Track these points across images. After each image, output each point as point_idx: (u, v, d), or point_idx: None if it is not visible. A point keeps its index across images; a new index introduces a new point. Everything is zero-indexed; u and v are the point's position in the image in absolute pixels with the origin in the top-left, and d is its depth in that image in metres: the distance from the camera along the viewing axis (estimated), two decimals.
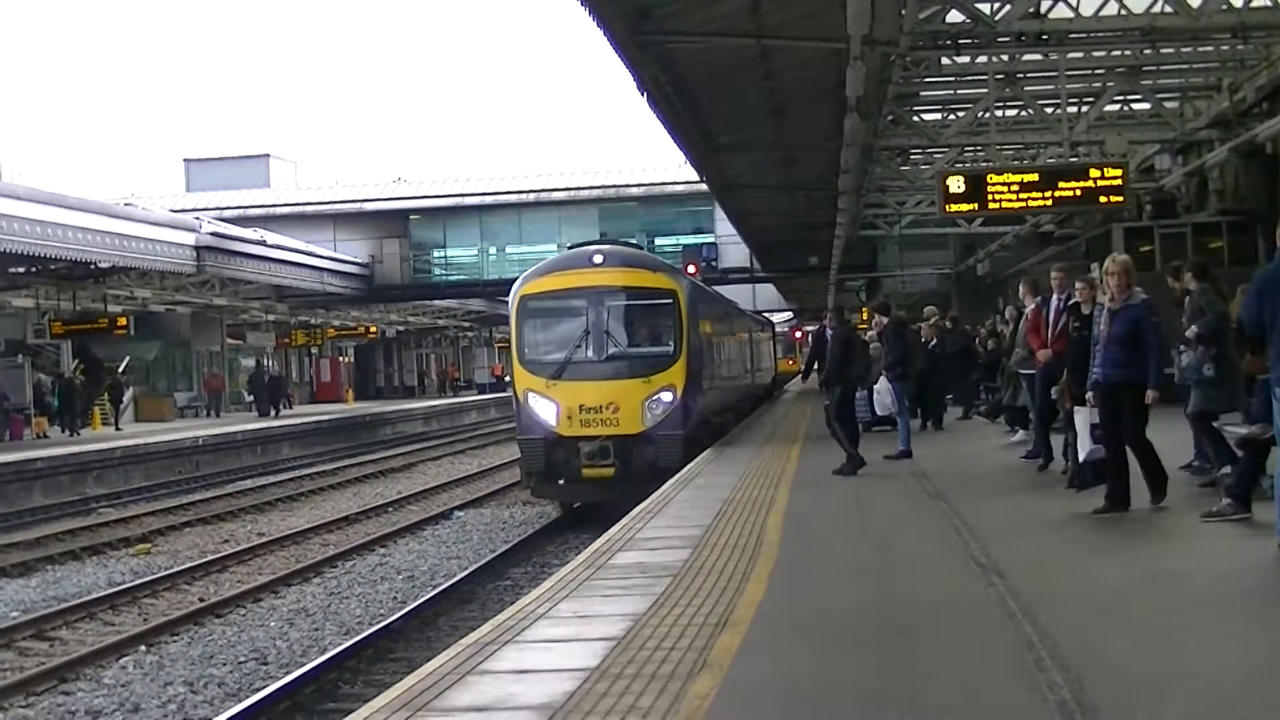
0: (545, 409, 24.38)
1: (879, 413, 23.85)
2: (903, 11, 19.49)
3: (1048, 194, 22.84)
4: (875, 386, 23.09)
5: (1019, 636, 8.40)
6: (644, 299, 25.67)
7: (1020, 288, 19.90)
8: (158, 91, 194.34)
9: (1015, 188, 22.83)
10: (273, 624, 17.66)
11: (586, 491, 25.08)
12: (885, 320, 23.39)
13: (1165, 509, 13.34)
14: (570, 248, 27.49)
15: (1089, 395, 13.85)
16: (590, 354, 24.75)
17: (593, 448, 24.09)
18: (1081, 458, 14.45)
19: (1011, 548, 11.98)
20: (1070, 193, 22.75)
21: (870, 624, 9.12)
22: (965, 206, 23.61)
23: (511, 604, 10.69)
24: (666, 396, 24.45)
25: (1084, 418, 14.05)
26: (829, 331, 21.72)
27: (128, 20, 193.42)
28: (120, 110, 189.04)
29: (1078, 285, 16.53)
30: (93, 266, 41.97)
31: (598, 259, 25.51)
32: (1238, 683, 7.28)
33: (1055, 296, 17.84)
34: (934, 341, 28.92)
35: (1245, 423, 13.92)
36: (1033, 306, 18.50)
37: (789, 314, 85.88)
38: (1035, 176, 23.23)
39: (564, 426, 24.28)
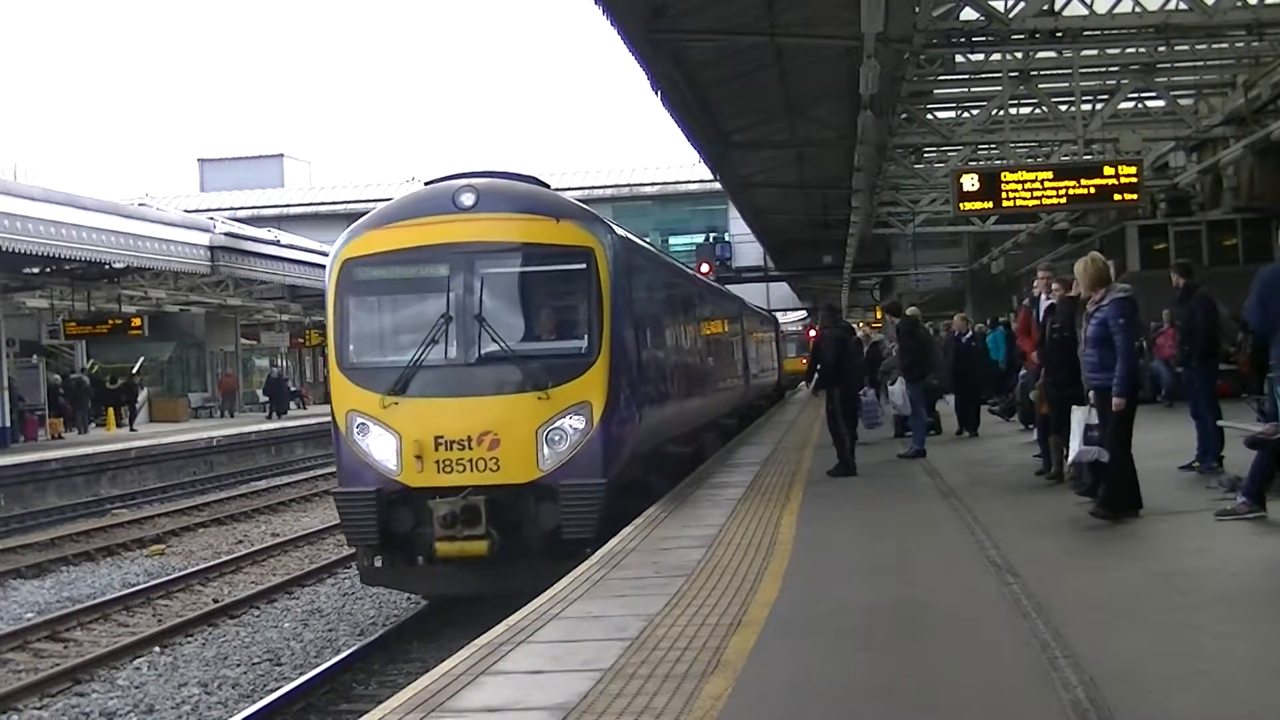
0: (380, 444, 15.65)
1: (895, 412, 23.69)
2: (916, 9, 19.48)
3: (1062, 192, 22.76)
4: (891, 388, 22.94)
5: (1033, 636, 8.38)
6: (542, 262, 16.53)
7: (1036, 285, 19.84)
8: (172, 92, 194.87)
9: (1029, 185, 22.76)
10: (287, 625, 17.66)
11: (444, 579, 16.03)
12: (897, 320, 23.29)
13: (1180, 513, 13.29)
14: (428, 183, 17.40)
15: (1090, 393, 13.41)
16: (453, 353, 15.79)
17: (453, 508, 15.03)
18: (1069, 458, 13.90)
19: (1025, 547, 11.96)
20: (1084, 190, 22.66)
21: (884, 623, 9.10)
22: (979, 205, 23.54)
23: (525, 604, 10.67)
24: (576, 421, 15.48)
25: (1080, 417, 13.42)
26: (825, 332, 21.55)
27: (141, 20, 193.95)
28: (134, 110, 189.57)
29: (1040, 276, 16.45)
30: (107, 267, 41.94)
31: (467, 199, 16.02)
32: (1253, 682, 7.25)
33: (1044, 297, 17.85)
34: (968, 335, 27.62)
35: (1258, 421, 13.90)
36: (1020, 308, 18.51)
37: (803, 313, 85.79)
38: (1049, 174, 23.14)
39: (409, 473, 15.48)
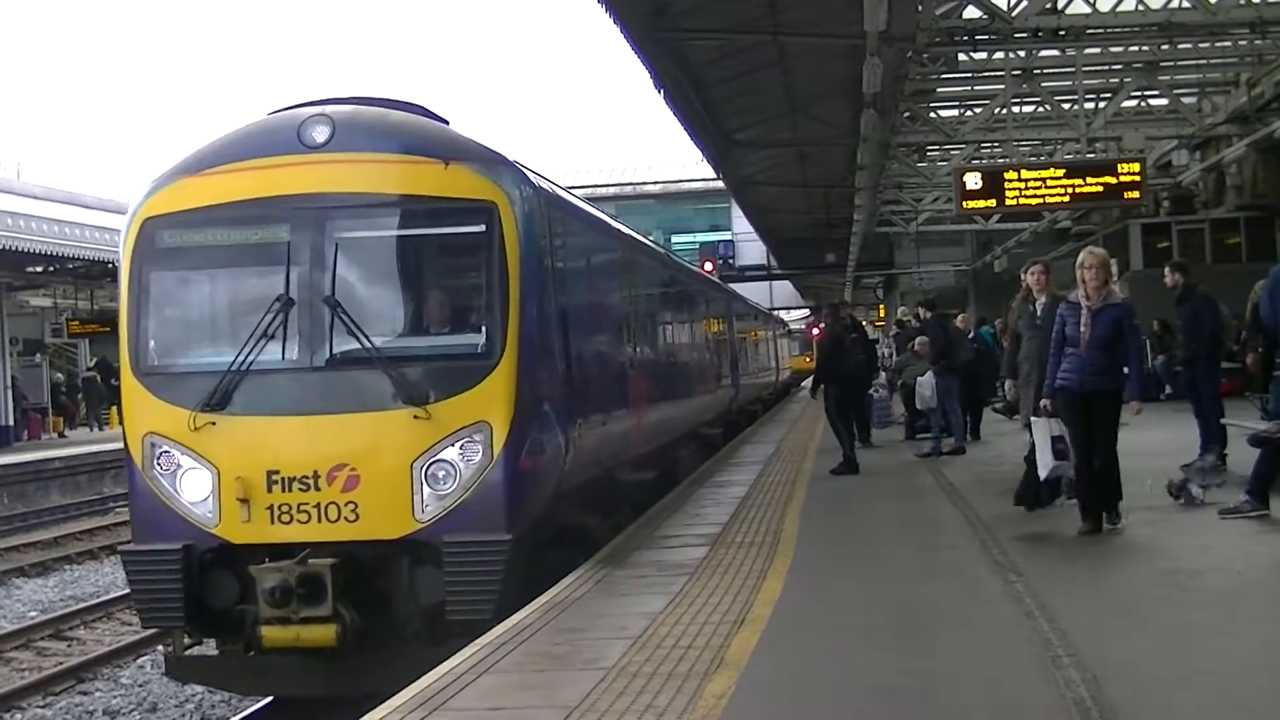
0: (190, 482, 11.34)
1: (919, 407, 23.36)
2: (919, 7, 19.51)
3: (1065, 190, 22.80)
4: (919, 380, 22.67)
5: (1035, 634, 8.38)
6: (422, 223, 11.99)
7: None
8: (175, 90, 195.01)
9: (1032, 184, 22.79)
10: None
11: (278, 676, 11.62)
12: (929, 315, 23.07)
13: (1184, 511, 13.27)
14: (273, 113, 12.51)
15: (1044, 404, 12.68)
16: (294, 353, 11.46)
17: (285, 578, 10.76)
18: (1043, 475, 12.99)
19: (1028, 545, 11.96)
20: (1087, 189, 22.68)
21: (887, 622, 9.10)
22: (982, 203, 23.56)
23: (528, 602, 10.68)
24: (470, 450, 11.11)
25: (1043, 429, 12.69)
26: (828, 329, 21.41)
27: (145, 18, 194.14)
28: (137, 109, 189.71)
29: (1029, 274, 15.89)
30: (110, 265, 42.02)
31: (319, 133, 11.65)
32: (1256, 681, 7.25)
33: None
34: (970, 335, 26.77)
35: (1262, 419, 13.88)
36: (1008, 309, 18.29)
37: (806, 311, 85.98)
38: (1052, 172, 23.17)
39: (230, 523, 11.21)
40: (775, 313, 60.24)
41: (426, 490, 11.00)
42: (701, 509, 16.14)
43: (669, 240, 59.70)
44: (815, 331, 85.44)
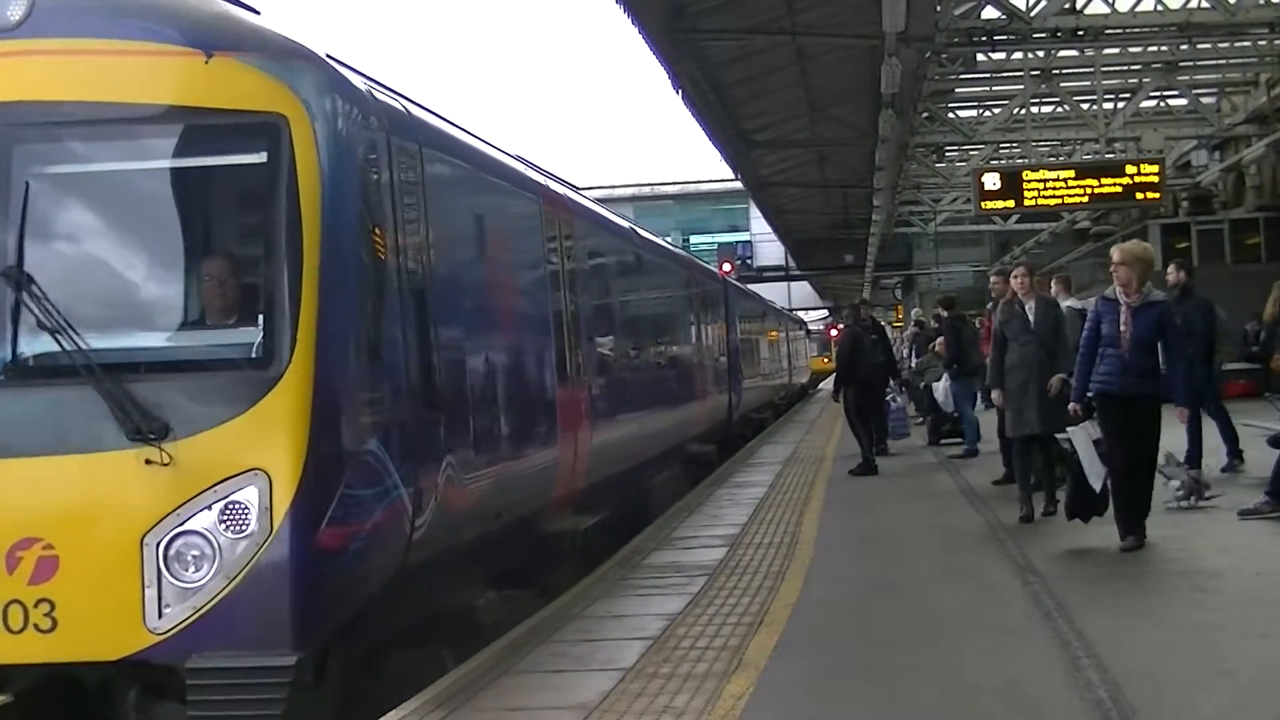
0: None
1: (944, 410, 23.12)
2: (938, 7, 19.50)
3: (1084, 191, 22.79)
4: (936, 385, 22.52)
5: (1055, 635, 8.36)
6: (167, 151, 7.80)
7: (1052, 285, 19.44)
8: None
9: (1051, 184, 22.79)
10: None
11: None
12: (945, 315, 22.96)
13: (1203, 512, 13.23)
14: None
15: (1073, 408, 11.67)
16: None
17: None
18: (1098, 485, 11.70)
19: (1047, 547, 11.91)
20: (1106, 189, 22.68)
21: (907, 623, 9.08)
22: (1001, 203, 23.55)
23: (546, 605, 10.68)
24: (236, 517, 7.04)
25: (1084, 436, 11.66)
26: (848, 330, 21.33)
27: None
28: None
29: (991, 280, 15.57)
30: None
31: (13, 10, 7.42)
32: (1276, 682, 7.23)
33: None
34: None
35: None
36: (984, 315, 18.14)
37: (826, 311, 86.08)
38: (1071, 173, 23.19)
39: None
40: (794, 312, 60.15)
41: (166, 581, 7.08)
42: (720, 510, 16.14)
43: (687, 241, 59.70)
44: (834, 332, 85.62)
